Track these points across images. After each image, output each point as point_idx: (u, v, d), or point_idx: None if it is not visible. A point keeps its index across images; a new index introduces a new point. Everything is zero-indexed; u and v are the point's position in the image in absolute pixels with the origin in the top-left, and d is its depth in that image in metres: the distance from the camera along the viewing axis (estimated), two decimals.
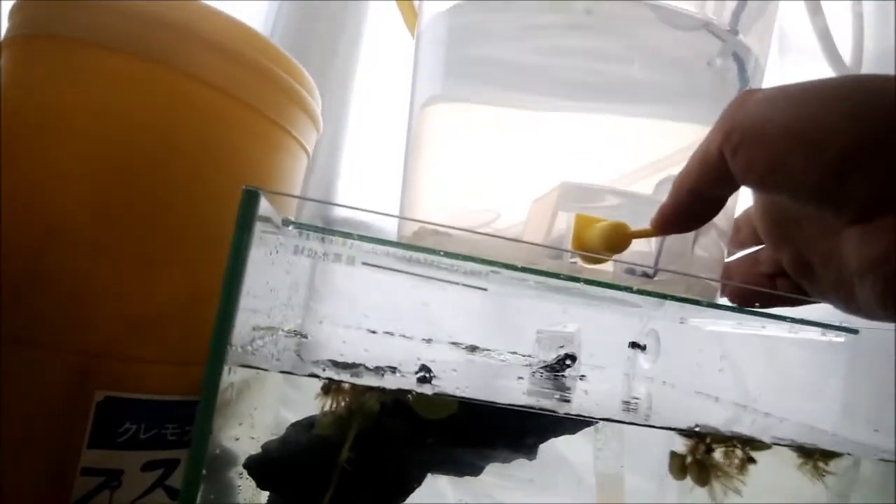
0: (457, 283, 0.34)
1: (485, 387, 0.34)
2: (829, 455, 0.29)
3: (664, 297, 0.35)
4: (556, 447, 0.39)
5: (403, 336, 0.55)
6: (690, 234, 0.35)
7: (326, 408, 0.28)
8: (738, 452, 0.31)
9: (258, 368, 0.26)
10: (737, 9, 0.39)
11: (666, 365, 0.55)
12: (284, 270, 0.39)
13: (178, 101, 0.39)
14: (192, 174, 0.40)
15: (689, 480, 0.31)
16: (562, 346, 0.46)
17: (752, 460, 0.31)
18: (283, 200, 0.46)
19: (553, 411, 0.27)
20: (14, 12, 0.41)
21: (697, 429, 0.29)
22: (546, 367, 0.44)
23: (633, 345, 0.59)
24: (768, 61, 0.78)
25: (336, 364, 0.28)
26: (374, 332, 0.54)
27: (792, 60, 0.80)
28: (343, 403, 0.26)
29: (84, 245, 0.37)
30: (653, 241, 0.36)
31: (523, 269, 0.28)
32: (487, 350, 0.48)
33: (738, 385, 0.47)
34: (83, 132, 0.38)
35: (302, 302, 0.50)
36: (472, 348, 0.53)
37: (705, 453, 0.31)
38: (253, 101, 0.42)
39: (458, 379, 0.33)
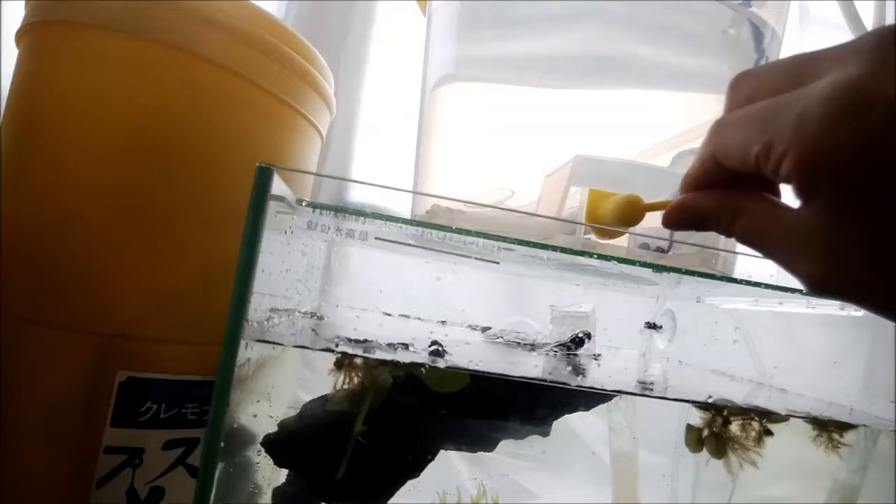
0: (469, 257, 0.34)
1: (498, 362, 0.34)
2: (843, 427, 0.28)
3: (679, 271, 0.34)
4: (571, 426, 0.39)
5: (418, 318, 0.55)
6: None
7: (339, 383, 0.28)
8: (755, 425, 0.31)
9: (274, 343, 0.26)
10: None
11: (682, 344, 0.55)
12: (300, 252, 0.39)
13: (193, 85, 0.39)
14: (207, 157, 0.40)
15: (704, 454, 0.31)
16: (577, 326, 0.45)
17: (768, 432, 0.31)
18: (298, 182, 0.46)
19: (564, 383, 0.27)
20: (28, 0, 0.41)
21: (711, 399, 0.29)
22: (561, 345, 0.44)
23: (649, 325, 0.58)
24: (787, 32, 0.76)
25: (350, 340, 0.29)
26: (388, 314, 0.55)
27: (812, 31, 0.79)
28: (356, 379, 0.27)
29: (103, 229, 0.37)
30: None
31: (535, 245, 0.28)
32: (501, 329, 0.48)
33: (754, 362, 0.47)
34: (98, 116, 0.38)
35: (318, 284, 0.50)
36: (486, 329, 0.54)
37: (722, 426, 0.31)
38: (266, 83, 0.42)
39: (470, 353, 0.33)
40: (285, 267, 0.36)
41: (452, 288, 0.61)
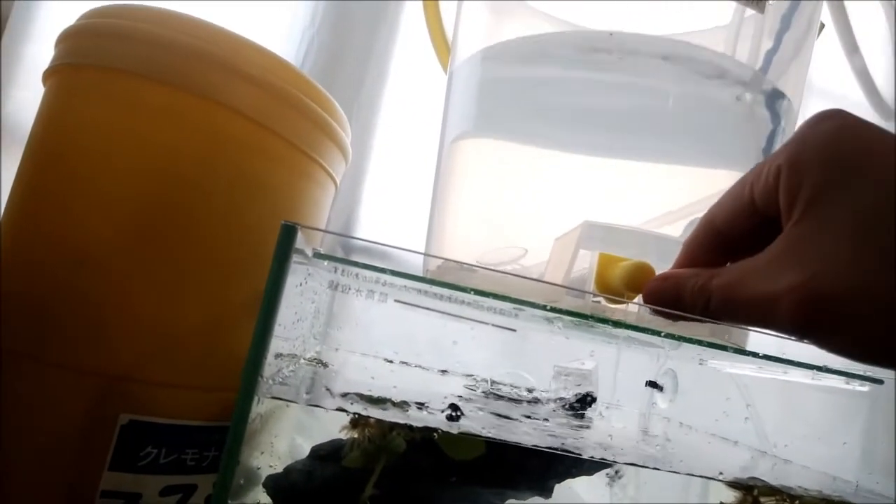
0: (486, 324, 0.34)
1: (506, 425, 0.34)
2: None
3: (691, 341, 0.35)
4: (572, 487, 0.39)
5: (423, 368, 0.55)
6: None
7: (352, 440, 0.28)
8: None
9: (288, 401, 0.26)
10: (769, 52, 0.40)
11: (683, 405, 0.55)
12: (310, 300, 0.39)
13: (214, 133, 0.40)
14: (226, 205, 0.40)
15: None
16: (579, 384, 0.45)
17: None
18: (311, 230, 0.47)
19: (578, 454, 0.27)
20: (60, 41, 0.42)
21: (722, 476, 0.29)
22: (565, 405, 0.44)
23: (651, 384, 0.58)
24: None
25: (363, 397, 0.29)
26: (390, 360, 0.55)
27: (815, 105, 0.81)
28: (368, 437, 0.26)
29: (114, 270, 0.37)
30: None
31: (553, 310, 0.28)
32: (499, 383, 0.48)
33: (757, 429, 0.46)
34: (120, 160, 0.38)
35: (321, 329, 0.50)
36: (492, 383, 0.53)
37: None
38: (286, 132, 0.43)
39: (482, 418, 0.33)
40: (297, 316, 0.36)
41: (459, 342, 0.61)
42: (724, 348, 0.38)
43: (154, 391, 0.37)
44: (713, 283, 0.25)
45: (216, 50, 0.40)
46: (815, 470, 0.40)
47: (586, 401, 0.45)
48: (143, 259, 0.38)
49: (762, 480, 0.28)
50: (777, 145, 0.39)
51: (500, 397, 0.44)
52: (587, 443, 0.36)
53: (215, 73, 0.40)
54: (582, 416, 0.46)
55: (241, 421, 0.24)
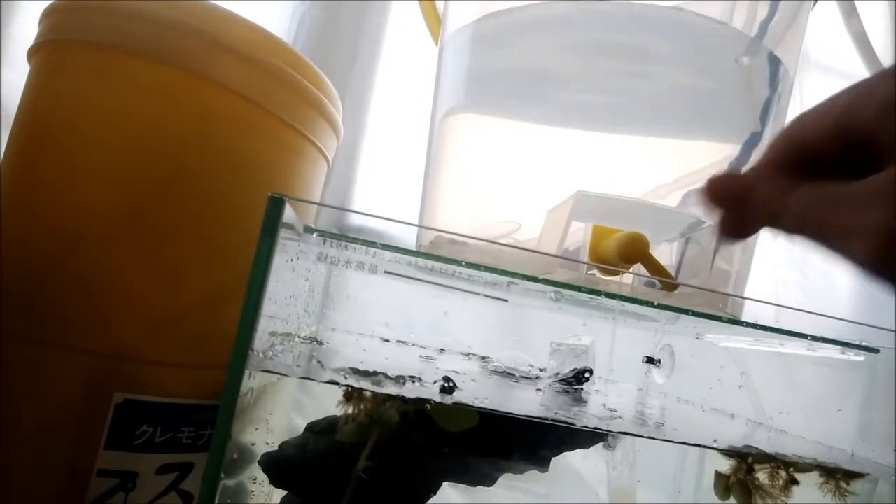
0: (478, 294, 0.34)
1: (502, 398, 0.34)
2: (851, 475, 0.28)
3: (685, 312, 0.35)
4: (569, 461, 0.39)
5: (419, 346, 0.55)
6: (711, 247, 0.35)
7: (347, 414, 0.28)
8: (783, 473, 0.31)
9: (279, 374, 0.26)
10: (766, 17, 0.39)
11: (680, 380, 0.55)
12: (303, 277, 0.39)
13: (205, 109, 0.40)
14: (217, 181, 0.40)
15: (710, 496, 0.31)
16: (576, 359, 0.45)
17: (795, 481, 0.31)
18: (302, 206, 0.46)
19: (571, 423, 0.27)
20: (44, 17, 0.42)
21: (716, 443, 0.29)
22: (562, 380, 0.44)
23: (648, 359, 0.58)
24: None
25: (356, 372, 0.28)
26: (387, 340, 0.55)
27: (811, 77, 0.80)
28: (363, 410, 0.26)
29: (107, 248, 0.37)
30: (673, 254, 0.36)
31: (544, 281, 0.28)
32: (503, 362, 0.48)
33: (753, 401, 0.46)
34: (109, 137, 0.38)
35: (317, 308, 0.50)
36: (487, 359, 0.53)
37: (747, 473, 0.30)
38: (277, 109, 0.43)
39: (476, 389, 0.33)
40: (289, 293, 0.36)
41: (456, 316, 0.61)
42: (719, 319, 0.38)
43: (149, 370, 0.37)
44: (791, 199, 0.23)
45: (204, 25, 0.40)
46: (810, 440, 0.40)
47: (583, 376, 0.45)
48: (134, 237, 0.37)
49: (757, 448, 0.28)
50: (774, 113, 0.38)
51: (498, 373, 0.44)
52: (583, 415, 0.36)
53: (203, 48, 0.39)
54: (579, 391, 0.46)
55: (232, 394, 0.24)
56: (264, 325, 0.37)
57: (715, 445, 0.29)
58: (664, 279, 0.31)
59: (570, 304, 0.40)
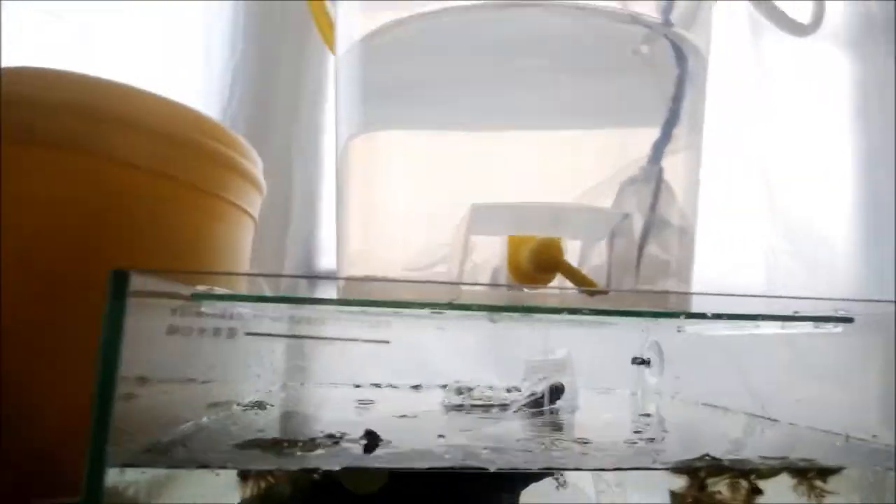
0: (356, 340, 0.31)
1: (458, 436, 0.31)
2: (825, 472, 0.25)
3: (624, 314, 0.31)
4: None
5: (393, 387, 0.52)
6: (635, 239, 0.32)
7: (250, 491, 0.25)
8: (744, 483, 0.27)
9: (145, 467, 0.23)
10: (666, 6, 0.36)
11: (673, 377, 0.51)
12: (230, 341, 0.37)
13: (105, 188, 0.39)
14: (126, 258, 0.38)
15: None
16: (543, 378, 0.42)
17: (757, 491, 0.27)
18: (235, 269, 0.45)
19: (483, 469, 0.24)
20: None
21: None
22: (528, 403, 0.41)
23: (637, 360, 0.55)
24: (741, 42, 0.74)
25: (252, 444, 0.26)
26: (358, 385, 0.52)
27: (769, 38, 0.77)
28: (258, 489, 0.24)
29: (16, 340, 0.35)
30: (603, 253, 0.33)
31: (460, 307, 0.25)
32: (462, 393, 0.44)
33: (744, 389, 0.43)
34: (13, 227, 0.37)
35: (271, 367, 0.48)
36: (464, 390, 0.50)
37: (699, 490, 0.27)
38: (187, 176, 0.41)
39: (412, 437, 0.30)
40: (211, 364, 0.34)
41: (439, 346, 0.58)
42: (676, 316, 0.34)
43: (69, 470, 0.35)
44: None
45: (102, 104, 0.39)
46: (802, 426, 0.36)
47: (553, 395, 0.42)
48: (45, 324, 0.36)
49: (710, 457, 0.25)
50: (687, 91, 0.35)
51: (454, 407, 0.41)
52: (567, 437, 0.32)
53: (102, 127, 0.39)
54: (555, 413, 0.42)
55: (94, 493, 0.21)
56: (202, 395, 0.35)
57: (657, 466, 0.25)
58: (583, 288, 0.28)
59: (514, 321, 0.37)
